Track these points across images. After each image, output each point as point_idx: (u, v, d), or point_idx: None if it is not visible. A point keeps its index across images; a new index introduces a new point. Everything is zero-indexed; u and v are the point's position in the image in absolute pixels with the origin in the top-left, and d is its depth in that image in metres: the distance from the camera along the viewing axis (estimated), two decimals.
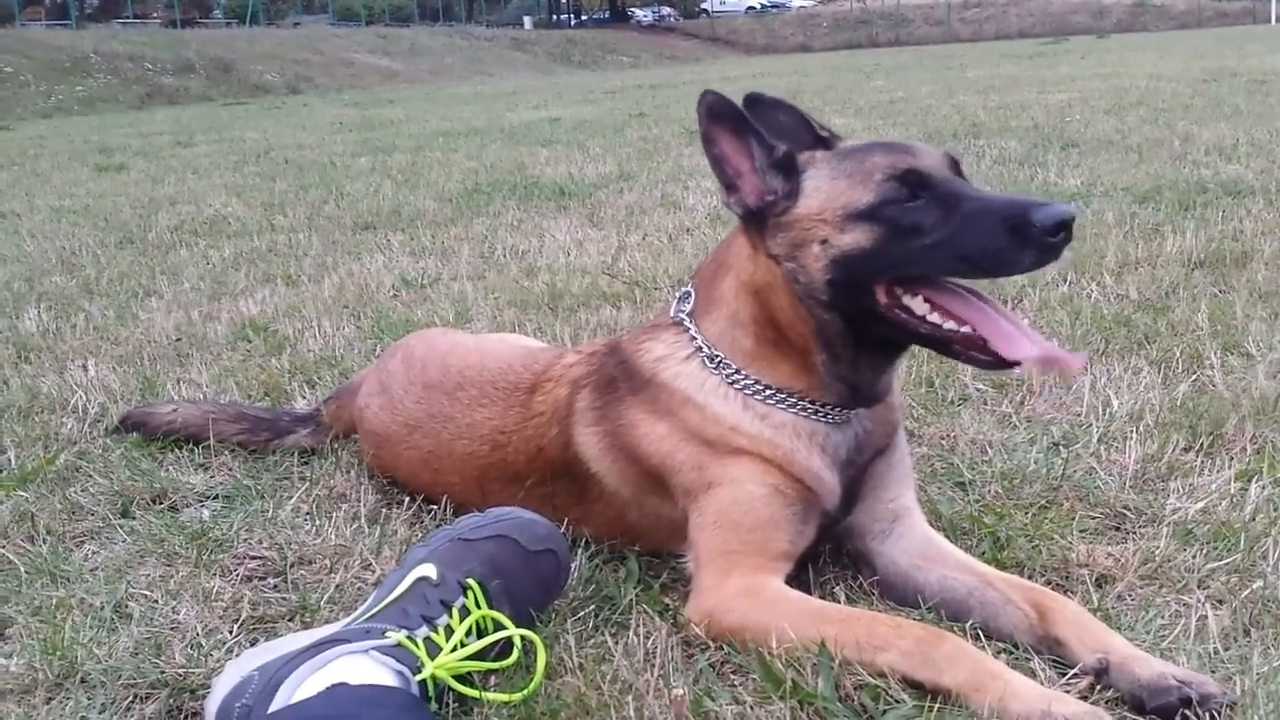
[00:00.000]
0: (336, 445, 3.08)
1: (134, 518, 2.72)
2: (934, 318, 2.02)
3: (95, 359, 4.15)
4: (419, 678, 1.76)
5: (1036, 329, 2.33)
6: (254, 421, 3.15)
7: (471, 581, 1.92)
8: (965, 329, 2.01)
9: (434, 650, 1.81)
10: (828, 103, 14.99)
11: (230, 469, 3.01)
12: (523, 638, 1.91)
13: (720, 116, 2.11)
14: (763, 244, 2.13)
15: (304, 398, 3.58)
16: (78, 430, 3.36)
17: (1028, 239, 1.89)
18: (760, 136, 2.11)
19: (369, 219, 7.42)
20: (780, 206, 2.09)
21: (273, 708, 1.71)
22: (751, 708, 1.78)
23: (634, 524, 2.35)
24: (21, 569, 2.45)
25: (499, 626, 1.90)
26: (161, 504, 2.81)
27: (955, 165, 2.10)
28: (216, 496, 2.84)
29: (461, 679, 1.83)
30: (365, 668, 1.74)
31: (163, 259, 6.37)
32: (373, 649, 1.77)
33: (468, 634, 1.86)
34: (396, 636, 1.79)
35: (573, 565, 2.24)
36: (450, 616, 1.86)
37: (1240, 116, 9.92)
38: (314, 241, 6.65)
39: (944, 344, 2.04)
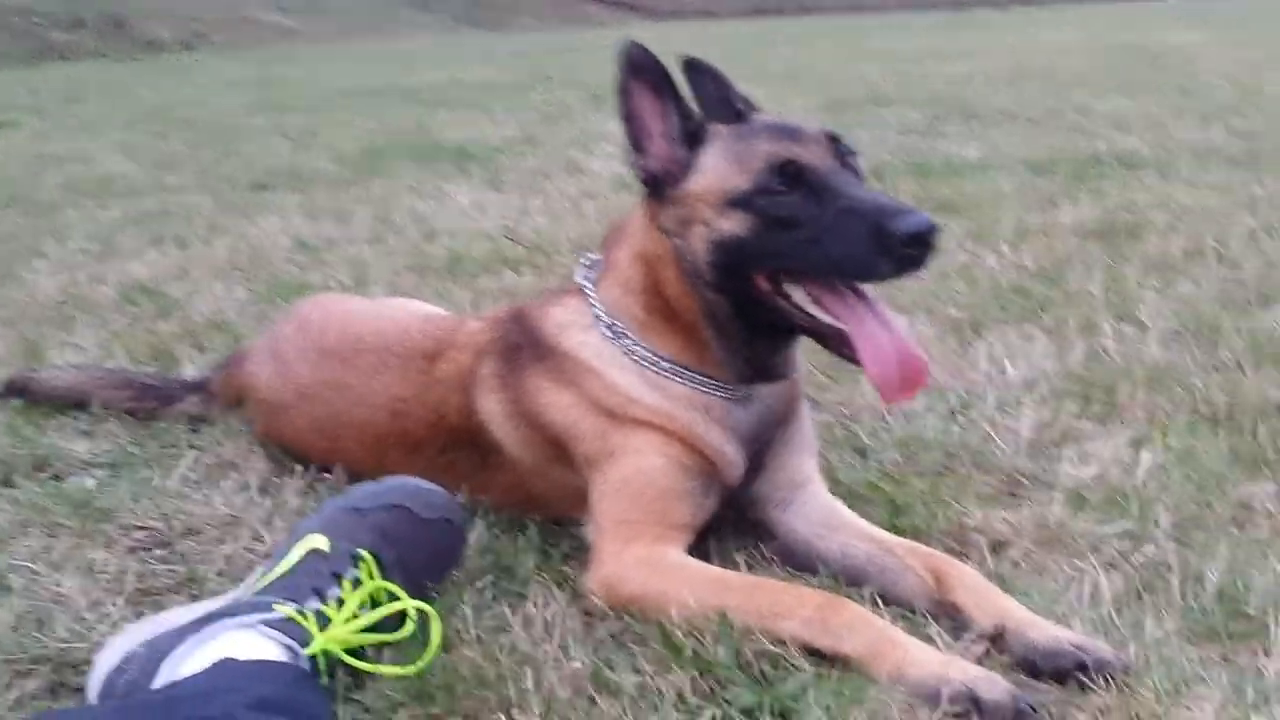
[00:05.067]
0: (226, 413, 2.99)
1: (15, 486, 2.63)
2: (812, 309, 2.01)
3: None
4: (308, 652, 1.71)
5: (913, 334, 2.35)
6: (141, 388, 3.05)
7: (364, 552, 1.88)
8: (838, 324, 1.99)
9: (325, 623, 1.76)
10: (733, 69, 14.81)
11: (116, 436, 2.91)
12: (417, 609, 1.86)
13: (641, 70, 2.04)
14: (657, 215, 2.09)
15: (193, 363, 3.48)
16: None
17: (885, 248, 1.86)
18: (680, 101, 2.06)
19: (264, 179, 7.23)
20: (676, 180, 2.06)
21: (156, 683, 1.66)
22: (651, 677, 1.77)
23: (537, 492, 2.32)
24: None
25: (393, 598, 1.86)
26: (44, 472, 2.71)
27: (843, 149, 2.06)
28: (102, 465, 2.74)
29: (354, 652, 1.78)
30: (253, 642, 1.69)
31: (50, 219, 6.14)
32: (260, 623, 1.72)
33: (360, 606, 1.82)
34: (285, 610, 1.74)
35: (470, 535, 2.20)
36: (342, 588, 1.82)
37: (1136, 90, 10.12)
38: (206, 202, 6.47)
39: (819, 336, 2.03)
